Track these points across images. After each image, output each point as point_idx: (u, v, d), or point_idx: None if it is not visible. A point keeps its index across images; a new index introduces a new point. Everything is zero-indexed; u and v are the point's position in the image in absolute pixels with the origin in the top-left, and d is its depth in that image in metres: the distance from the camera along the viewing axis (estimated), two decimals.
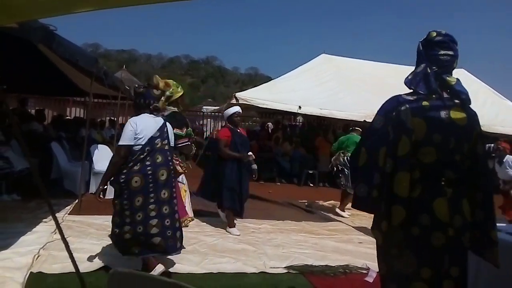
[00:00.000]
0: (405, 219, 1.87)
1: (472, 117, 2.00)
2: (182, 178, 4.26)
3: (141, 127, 3.28)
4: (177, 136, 3.80)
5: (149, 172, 3.22)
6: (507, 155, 6.53)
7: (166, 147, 3.37)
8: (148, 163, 3.23)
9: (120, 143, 3.26)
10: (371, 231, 2.05)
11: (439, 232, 1.88)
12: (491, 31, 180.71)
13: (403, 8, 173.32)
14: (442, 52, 2.00)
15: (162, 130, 3.38)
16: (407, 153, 1.88)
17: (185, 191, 4.30)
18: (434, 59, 2.00)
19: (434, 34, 2.03)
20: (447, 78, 1.98)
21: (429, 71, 1.98)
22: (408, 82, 2.04)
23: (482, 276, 2.59)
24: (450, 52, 2.00)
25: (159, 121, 3.42)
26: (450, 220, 1.88)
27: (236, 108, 5.65)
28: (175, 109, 4.12)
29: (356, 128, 7.04)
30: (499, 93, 12.77)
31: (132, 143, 3.23)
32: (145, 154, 3.23)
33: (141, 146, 3.23)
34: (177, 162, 3.95)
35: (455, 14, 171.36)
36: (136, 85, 4.08)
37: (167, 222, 3.30)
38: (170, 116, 3.93)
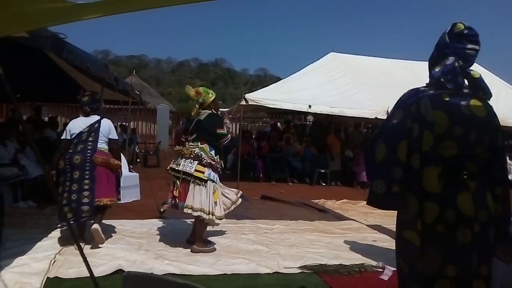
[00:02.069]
0: (438, 215, 1.81)
1: (490, 108, 1.98)
2: (216, 177, 4.30)
3: (71, 127, 4.39)
4: (220, 135, 4.33)
5: (67, 157, 4.21)
6: None
7: (91, 139, 4.27)
8: (71, 151, 4.23)
9: (62, 138, 4.46)
10: (403, 232, 1.94)
11: (465, 228, 1.82)
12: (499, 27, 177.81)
13: (410, 7, 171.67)
14: (470, 46, 1.95)
15: (92, 126, 4.32)
16: (432, 147, 1.85)
17: (217, 190, 4.30)
18: (461, 52, 1.95)
19: (462, 26, 1.97)
20: (471, 72, 1.95)
21: (457, 65, 1.94)
22: (437, 75, 1.96)
23: (500, 270, 2.55)
24: (477, 47, 1.97)
25: (91, 120, 4.36)
26: (475, 215, 1.83)
27: None
28: (209, 111, 4.38)
29: None
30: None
31: (69, 138, 4.29)
32: (73, 145, 4.26)
33: (72, 139, 4.28)
34: (214, 162, 4.24)
35: (467, 9, 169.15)
36: (79, 95, 4.66)
37: (73, 196, 4.13)
38: (208, 118, 4.33)
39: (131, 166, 7.87)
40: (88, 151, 4.21)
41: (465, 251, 1.83)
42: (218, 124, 4.34)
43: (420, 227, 1.85)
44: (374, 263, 4.10)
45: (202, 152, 4.20)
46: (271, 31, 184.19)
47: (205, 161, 4.19)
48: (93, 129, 4.31)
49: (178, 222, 5.61)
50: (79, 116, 4.57)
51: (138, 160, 11.99)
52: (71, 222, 4.03)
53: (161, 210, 6.01)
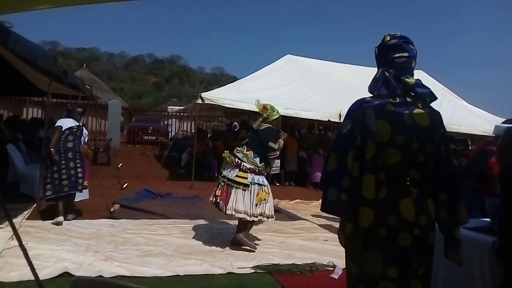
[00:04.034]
0: (374, 220, 1.89)
1: (435, 117, 2.04)
2: (261, 180, 4.55)
3: (64, 122, 5.60)
4: (270, 149, 4.63)
5: (62, 140, 5.47)
6: None
7: (78, 133, 5.65)
8: (62, 139, 5.49)
9: (56, 125, 5.57)
10: (338, 232, 2.06)
11: (405, 232, 1.90)
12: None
13: (362, 14, 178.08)
14: (397, 54, 2.02)
15: (77, 126, 5.70)
16: (373, 156, 1.91)
17: (267, 193, 4.57)
18: (390, 62, 2.03)
19: (388, 38, 2.06)
20: (406, 79, 2.01)
21: (387, 74, 2.02)
22: (370, 88, 2.07)
23: (440, 274, 2.70)
24: (405, 54, 2.03)
25: (76, 122, 5.72)
26: (416, 219, 1.91)
27: None
28: (270, 125, 4.76)
29: None
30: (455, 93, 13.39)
31: (62, 127, 5.50)
32: (65, 134, 5.52)
33: (65, 130, 5.52)
34: (255, 167, 4.52)
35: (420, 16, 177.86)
36: (68, 104, 6.22)
37: (72, 171, 5.37)
38: (266, 131, 4.71)
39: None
40: (76, 141, 5.59)
41: (405, 254, 1.91)
42: (272, 138, 4.65)
43: (350, 230, 1.93)
44: (325, 262, 4.21)
45: (244, 158, 4.53)
46: (228, 31, 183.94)
47: (245, 167, 4.48)
48: (81, 128, 5.76)
49: (129, 222, 5.47)
50: (68, 117, 5.75)
51: None
52: (65, 194, 5.32)
53: (112, 210, 5.83)
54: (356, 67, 13.43)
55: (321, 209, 2.10)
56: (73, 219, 5.44)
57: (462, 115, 11.65)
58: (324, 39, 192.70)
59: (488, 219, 2.83)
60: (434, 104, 2.09)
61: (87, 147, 6.06)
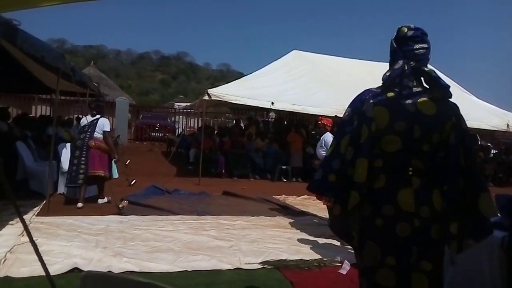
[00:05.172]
0: (358, 204, 1.93)
1: (448, 107, 2.00)
2: None
3: (83, 121, 6.46)
4: None
5: (81, 136, 6.25)
6: (327, 132, 5.90)
7: (89, 130, 6.19)
8: (77, 137, 6.36)
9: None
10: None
11: (404, 223, 1.88)
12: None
13: (370, 7, 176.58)
14: (417, 46, 2.00)
15: (92, 122, 6.25)
16: (366, 141, 1.93)
17: None
18: (411, 54, 2.01)
19: (406, 29, 2.04)
20: (427, 70, 2.00)
21: (407, 67, 1.99)
22: (384, 78, 2.03)
23: (448, 269, 2.68)
24: (425, 45, 2.02)
25: (94, 118, 6.31)
26: (416, 210, 1.88)
27: None
28: None
29: None
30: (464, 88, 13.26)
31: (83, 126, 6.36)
32: (78, 134, 6.36)
33: (85, 126, 6.33)
34: None
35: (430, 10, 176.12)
36: (93, 102, 6.98)
37: (74, 168, 6.06)
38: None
39: None
40: (86, 138, 6.11)
41: (404, 244, 1.89)
42: None
43: (337, 211, 2.02)
44: (333, 257, 4.20)
45: None
46: (234, 27, 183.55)
47: None
48: (92, 124, 6.20)
49: (137, 219, 5.50)
50: (88, 115, 6.50)
51: None
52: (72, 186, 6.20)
53: (120, 206, 5.86)
54: (363, 62, 13.36)
55: (306, 188, 2.20)
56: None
57: (470, 110, 11.52)
58: (332, 33, 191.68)
59: (498, 215, 2.81)
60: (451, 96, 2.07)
61: (103, 139, 6.21)
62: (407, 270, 1.89)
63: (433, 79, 1.99)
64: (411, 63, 1.99)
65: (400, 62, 2.01)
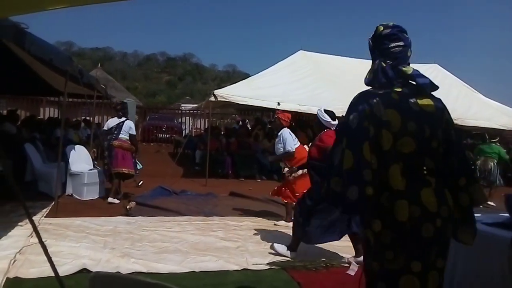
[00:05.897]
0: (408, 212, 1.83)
1: (438, 103, 1.99)
2: None
3: (109, 123, 6.82)
4: None
5: (107, 137, 6.65)
6: (284, 128, 5.72)
7: (116, 132, 6.60)
8: (107, 133, 6.72)
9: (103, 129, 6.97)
10: (364, 231, 1.97)
11: (428, 223, 1.84)
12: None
13: (376, 9, 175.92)
14: (392, 44, 1.98)
15: (119, 124, 6.66)
16: (392, 146, 1.86)
17: None
18: (386, 52, 1.99)
19: (381, 28, 2.02)
20: (403, 68, 1.96)
21: (384, 65, 1.97)
22: (367, 81, 2.02)
23: (459, 268, 2.66)
24: (401, 43, 1.99)
25: (120, 120, 6.70)
26: (438, 210, 1.86)
27: None
28: None
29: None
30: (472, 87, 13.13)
31: (106, 129, 6.80)
32: (112, 130, 6.64)
33: (108, 130, 6.74)
34: None
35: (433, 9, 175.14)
36: (114, 104, 7.61)
37: (106, 167, 6.76)
38: None
39: (95, 162, 7.66)
40: (112, 139, 6.57)
41: (427, 246, 1.86)
42: None
43: (378, 228, 1.86)
44: (340, 258, 4.19)
45: None
46: (240, 28, 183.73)
47: None
48: (119, 126, 6.64)
49: (145, 220, 5.53)
50: (114, 117, 6.85)
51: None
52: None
53: (128, 207, 5.89)
54: (370, 62, 13.27)
55: (342, 211, 2.05)
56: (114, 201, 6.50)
57: (478, 109, 11.43)
58: (338, 33, 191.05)
59: (508, 214, 2.78)
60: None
61: (130, 141, 6.68)
62: (427, 272, 1.87)
63: (408, 76, 1.96)
64: (388, 61, 1.97)
65: (377, 61, 2.00)
